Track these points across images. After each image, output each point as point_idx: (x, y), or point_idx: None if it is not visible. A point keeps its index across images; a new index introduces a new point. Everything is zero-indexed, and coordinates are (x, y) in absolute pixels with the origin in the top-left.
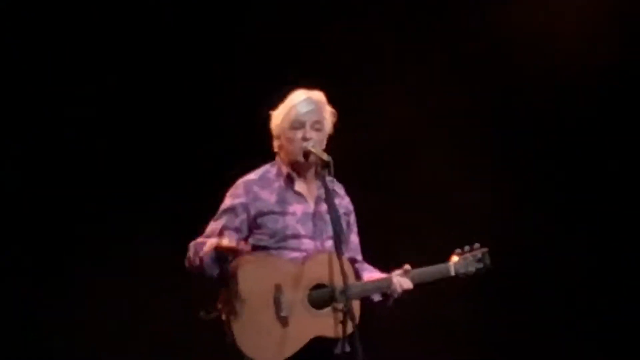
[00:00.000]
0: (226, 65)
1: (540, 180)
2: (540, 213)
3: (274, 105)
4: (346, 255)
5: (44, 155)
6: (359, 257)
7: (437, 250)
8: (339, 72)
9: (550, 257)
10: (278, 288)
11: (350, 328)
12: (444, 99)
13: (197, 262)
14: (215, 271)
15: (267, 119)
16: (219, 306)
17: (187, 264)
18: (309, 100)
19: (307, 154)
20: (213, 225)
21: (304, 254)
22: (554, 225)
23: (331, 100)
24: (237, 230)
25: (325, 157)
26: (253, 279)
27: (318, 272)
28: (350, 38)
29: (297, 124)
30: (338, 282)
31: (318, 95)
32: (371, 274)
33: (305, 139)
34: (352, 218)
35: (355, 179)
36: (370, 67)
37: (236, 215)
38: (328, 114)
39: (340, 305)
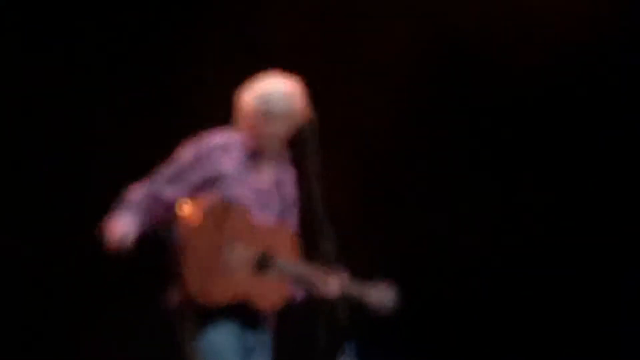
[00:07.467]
0: None
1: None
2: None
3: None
4: None
5: None
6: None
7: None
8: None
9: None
10: (234, 238)
11: (277, 306)
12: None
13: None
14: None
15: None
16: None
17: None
18: (285, 95)
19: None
20: (159, 182)
21: None
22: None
23: None
24: (183, 187)
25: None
26: (215, 218)
27: (274, 241)
28: None
29: (271, 119)
30: (285, 258)
31: (294, 88)
32: None
33: (275, 132)
34: (296, 209)
35: None
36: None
37: (186, 172)
38: (300, 106)
39: (276, 279)
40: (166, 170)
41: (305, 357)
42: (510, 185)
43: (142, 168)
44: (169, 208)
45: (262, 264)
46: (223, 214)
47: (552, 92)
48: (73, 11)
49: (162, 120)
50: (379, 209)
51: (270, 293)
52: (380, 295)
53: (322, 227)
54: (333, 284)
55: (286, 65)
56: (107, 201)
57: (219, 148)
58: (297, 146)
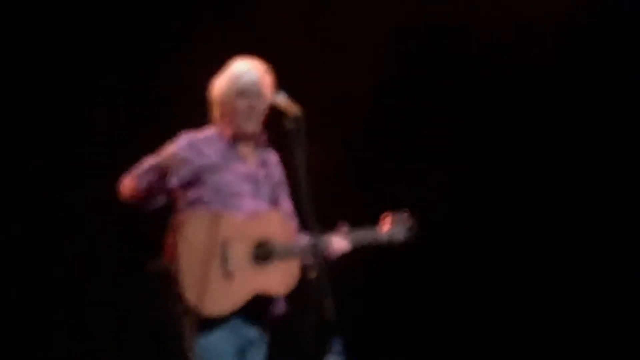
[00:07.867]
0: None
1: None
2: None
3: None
4: None
5: None
6: (295, 223)
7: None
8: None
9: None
10: (226, 242)
11: (290, 286)
12: None
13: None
14: (145, 182)
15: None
16: (167, 258)
17: (124, 189)
18: (253, 70)
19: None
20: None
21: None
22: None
23: None
24: (173, 180)
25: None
26: (202, 232)
27: (265, 229)
28: None
29: (243, 94)
30: (281, 239)
31: (259, 65)
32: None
33: (251, 107)
34: (286, 187)
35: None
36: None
37: (175, 162)
38: (268, 83)
39: (281, 263)
40: (153, 163)
41: (293, 353)
42: (509, 183)
43: None
44: (164, 194)
45: (261, 254)
46: (213, 226)
47: (551, 91)
48: (72, 9)
49: (161, 120)
50: (378, 207)
51: (280, 277)
52: (392, 230)
53: (310, 222)
54: (338, 241)
55: (284, 63)
56: (106, 201)
57: (201, 141)
58: (283, 139)
